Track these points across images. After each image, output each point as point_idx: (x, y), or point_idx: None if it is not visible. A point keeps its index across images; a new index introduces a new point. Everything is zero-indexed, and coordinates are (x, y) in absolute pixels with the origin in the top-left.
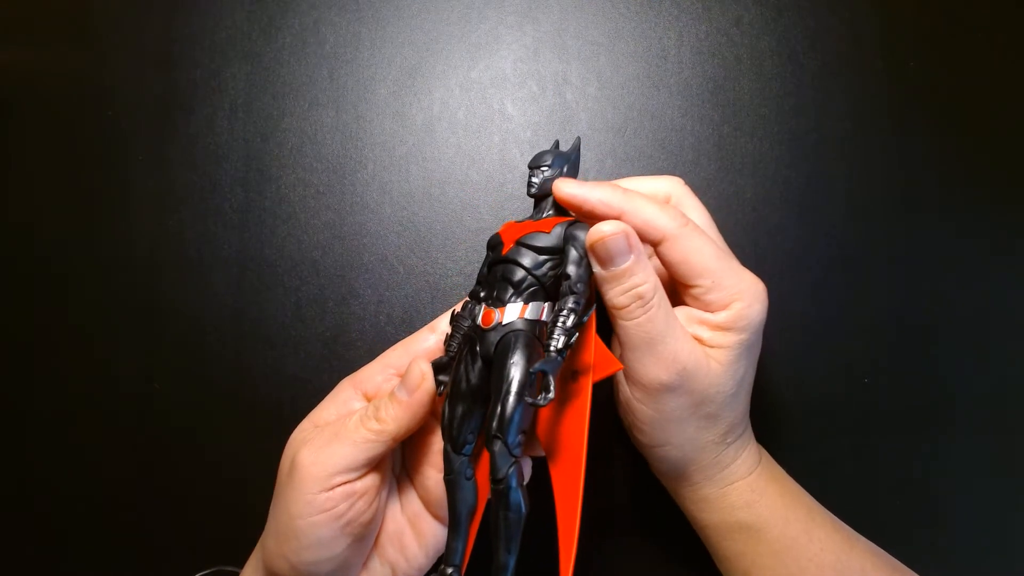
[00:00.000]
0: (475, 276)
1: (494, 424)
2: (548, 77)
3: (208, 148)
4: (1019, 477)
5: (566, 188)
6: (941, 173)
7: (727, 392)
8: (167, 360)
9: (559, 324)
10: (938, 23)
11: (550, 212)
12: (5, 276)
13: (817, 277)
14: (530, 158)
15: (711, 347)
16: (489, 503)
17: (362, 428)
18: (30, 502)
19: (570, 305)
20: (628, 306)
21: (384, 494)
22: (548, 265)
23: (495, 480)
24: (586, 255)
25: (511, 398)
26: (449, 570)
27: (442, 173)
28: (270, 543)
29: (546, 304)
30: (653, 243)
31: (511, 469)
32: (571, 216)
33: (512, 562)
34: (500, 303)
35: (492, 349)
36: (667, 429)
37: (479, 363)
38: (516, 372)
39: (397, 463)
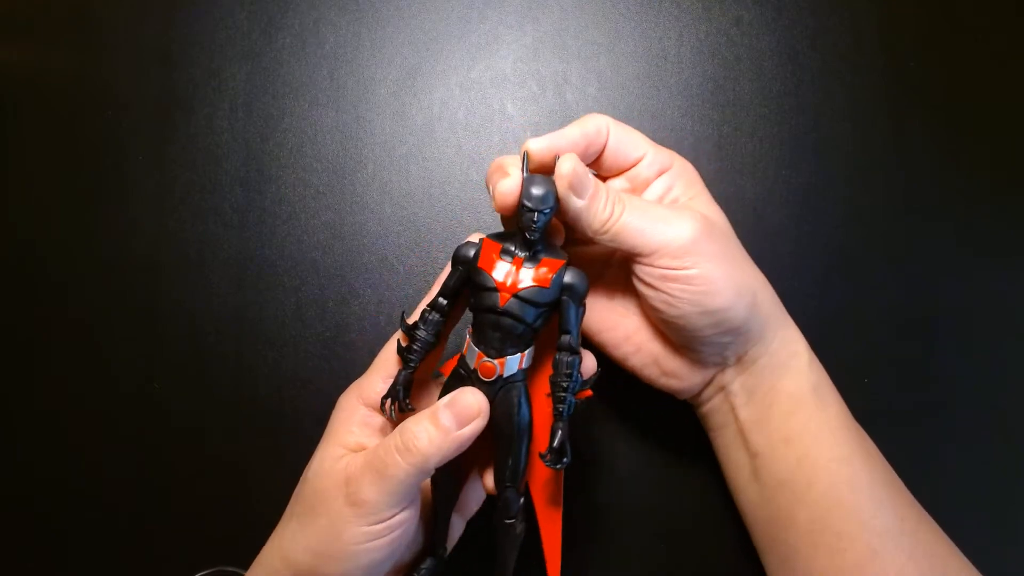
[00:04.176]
0: None
1: (507, 475)
2: (548, 77)
3: (208, 148)
4: (1019, 477)
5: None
6: (941, 173)
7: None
8: (167, 360)
9: (567, 390)
10: (938, 23)
11: (542, 254)
12: (5, 276)
13: (817, 277)
14: (530, 192)
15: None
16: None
17: (404, 465)
18: (30, 502)
19: (572, 366)
20: (613, 211)
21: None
22: (544, 317)
23: (507, 517)
24: (584, 305)
25: (522, 453)
26: (432, 560)
27: (442, 173)
28: (304, 557)
29: (532, 347)
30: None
31: (518, 507)
32: (562, 259)
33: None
34: (499, 354)
35: (492, 399)
36: (715, 279)
37: None
38: (524, 428)
39: None
